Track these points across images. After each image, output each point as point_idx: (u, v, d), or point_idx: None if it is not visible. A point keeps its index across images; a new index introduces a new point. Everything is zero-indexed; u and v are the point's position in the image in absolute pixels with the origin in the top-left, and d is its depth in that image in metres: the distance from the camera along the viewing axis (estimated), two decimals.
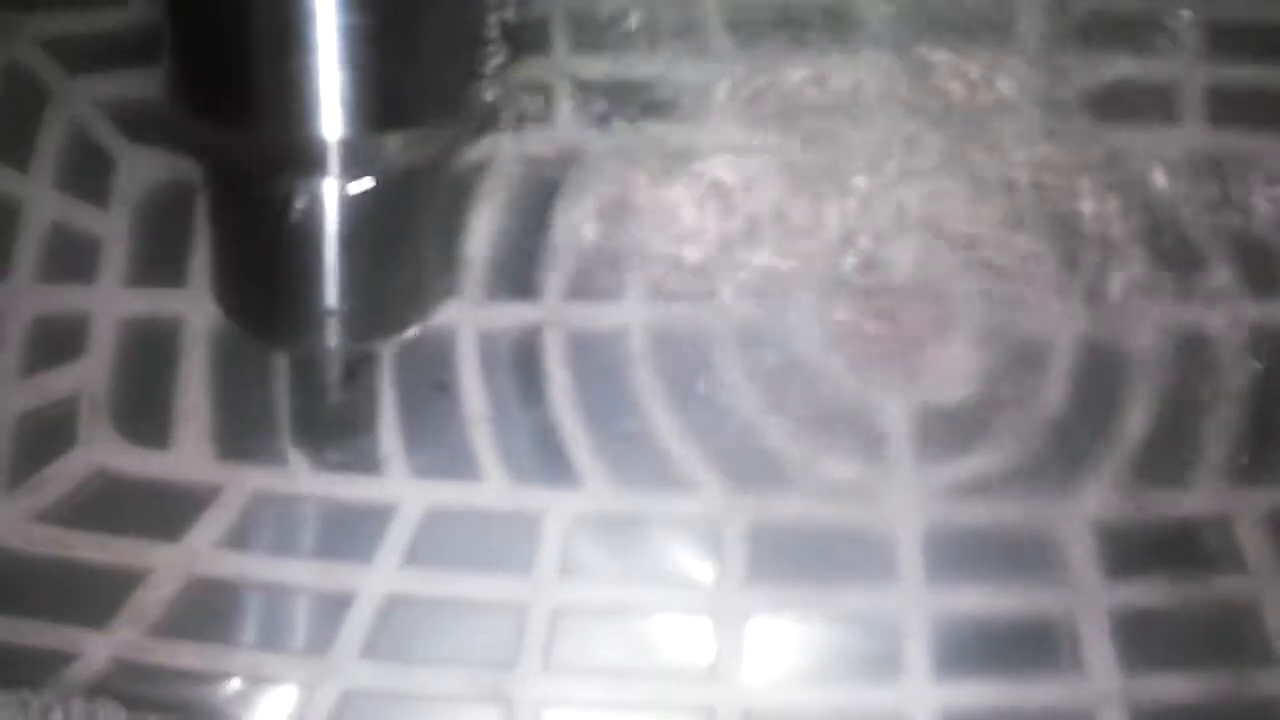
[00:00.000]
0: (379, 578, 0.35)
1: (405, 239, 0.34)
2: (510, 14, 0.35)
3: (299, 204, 0.32)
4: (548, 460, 0.37)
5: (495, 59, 0.34)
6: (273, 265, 0.33)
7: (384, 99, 0.31)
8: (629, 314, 0.38)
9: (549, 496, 0.37)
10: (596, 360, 0.38)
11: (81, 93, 0.39)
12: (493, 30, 0.34)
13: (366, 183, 0.32)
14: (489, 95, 0.34)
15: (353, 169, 0.31)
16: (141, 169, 0.39)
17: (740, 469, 0.37)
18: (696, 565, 0.36)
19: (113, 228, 0.39)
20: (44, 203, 0.39)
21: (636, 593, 0.36)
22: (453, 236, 0.38)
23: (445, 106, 0.33)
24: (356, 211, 0.32)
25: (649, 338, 0.38)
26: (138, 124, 0.39)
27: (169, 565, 0.35)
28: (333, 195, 0.32)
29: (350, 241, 0.32)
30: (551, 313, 0.38)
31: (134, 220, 0.39)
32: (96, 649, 0.35)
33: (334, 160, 0.31)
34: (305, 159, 0.31)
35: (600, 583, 0.36)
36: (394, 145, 0.32)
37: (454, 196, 0.38)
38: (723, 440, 0.37)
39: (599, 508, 0.37)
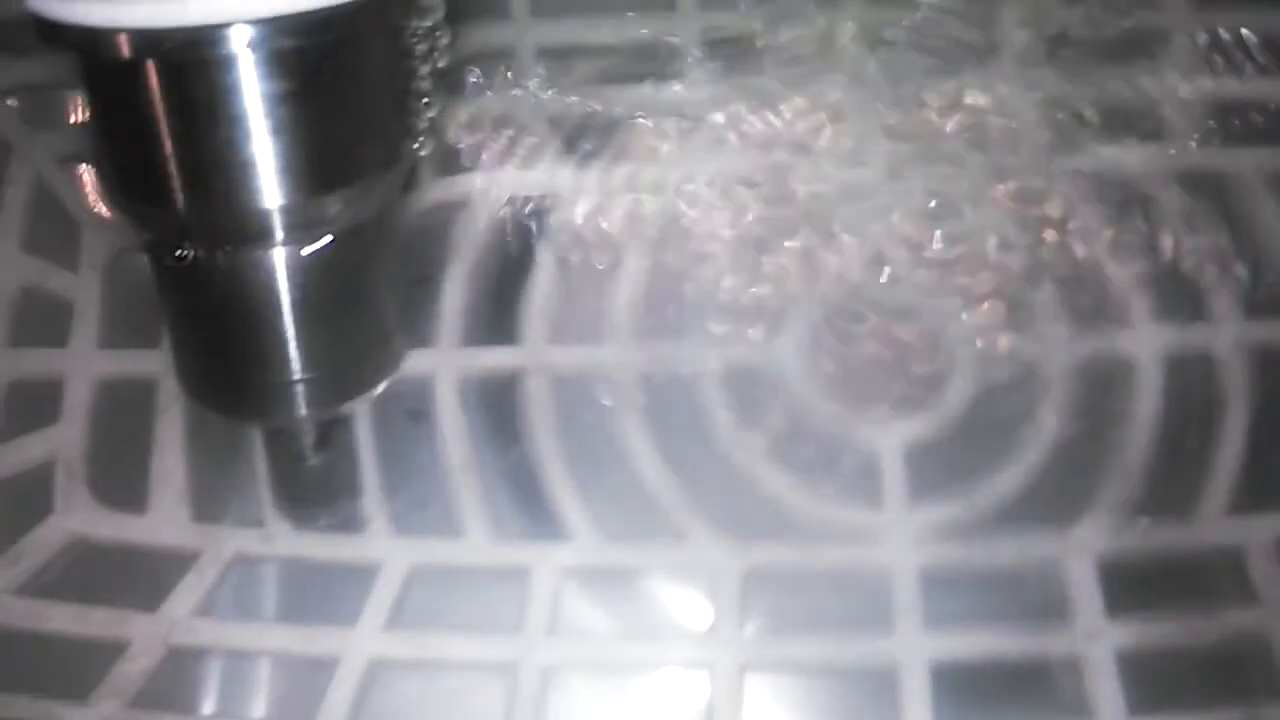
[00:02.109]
0: (363, 641, 0.34)
1: (360, 297, 0.33)
2: (441, 61, 0.34)
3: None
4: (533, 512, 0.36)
5: (429, 106, 0.33)
6: (229, 341, 0.32)
7: (318, 161, 0.30)
8: (612, 356, 0.37)
9: (536, 551, 0.36)
10: (579, 405, 0.37)
11: (45, 149, 0.39)
12: (424, 79, 0.34)
13: (319, 244, 0.31)
14: (426, 143, 0.33)
15: (297, 234, 0.31)
16: (110, 227, 0.39)
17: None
18: (690, 617, 0.35)
19: (84, 289, 0.38)
20: (12, 265, 0.38)
21: (630, 648, 0.35)
22: (413, 286, 0.37)
23: (382, 159, 0.32)
24: (308, 276, 0.31)
25: (633, 379, 0.37)
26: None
27: (148, 635, 0.34)
28: (281, 263, 0.31)
29: (305, 307, 0.31)
30: (532, 357, 0.38)
31: (105, 280, 0.39)
32: None
33: (277, 228, 0.30)
34: (248, 231, 0.30)
35: (592, 639, 0.35)
36: (335, 205, 0.31)
37: (411, 244, 0.37)
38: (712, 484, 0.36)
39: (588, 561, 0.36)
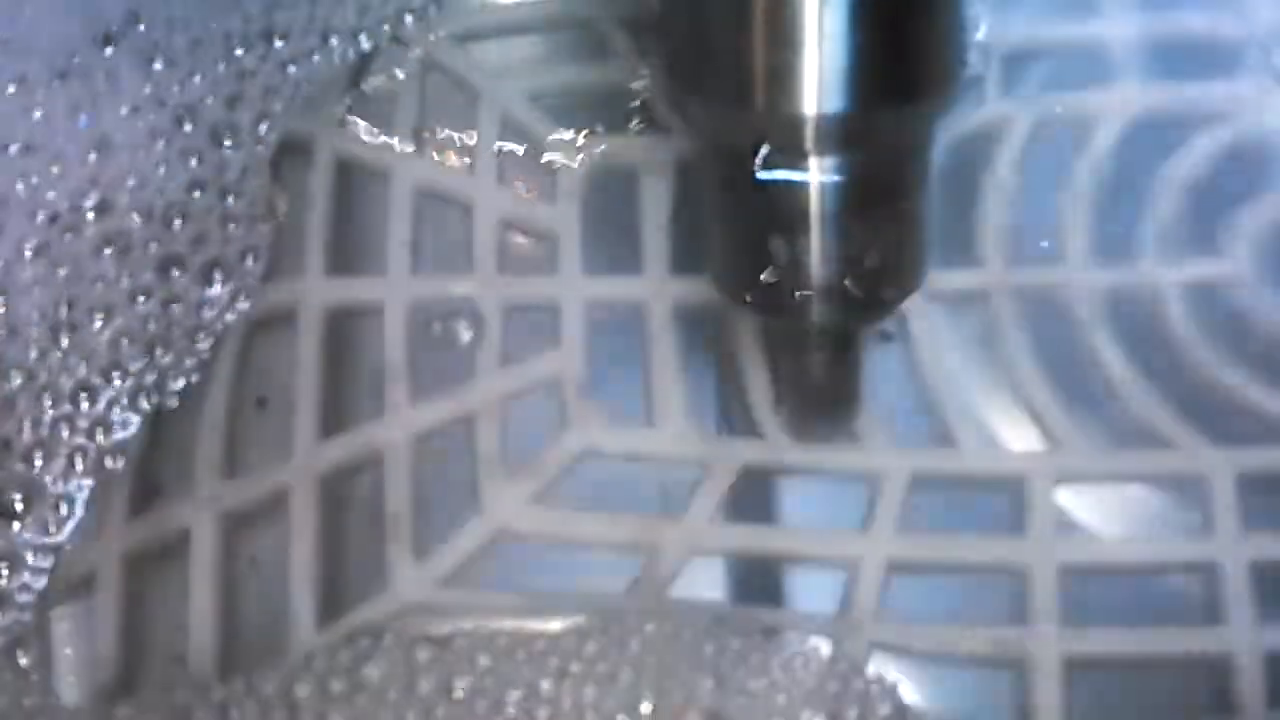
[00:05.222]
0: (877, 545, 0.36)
1: (893, 215, 0.34)
2: None
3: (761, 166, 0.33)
4: None
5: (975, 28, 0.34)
6: (760, 241, 0.34)
7: (879, 75, 0.31)
8: None
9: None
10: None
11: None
12: None
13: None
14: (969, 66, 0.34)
15: (842, 146, 0.32)
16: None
17: None
18: None
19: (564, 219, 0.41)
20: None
21: None
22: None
23: (938, 82, 0.33)
24: (844, 187, 0.33)
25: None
26: None
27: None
28: (819, 171, 0.33)
29: (836, 218, 0.33)
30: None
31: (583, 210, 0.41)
32: None
33: (821, 137, 0.32)
34: (793, 136, 0.32)
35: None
36: (884, 122, 0.32)
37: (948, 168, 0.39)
38: None
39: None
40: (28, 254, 0.35)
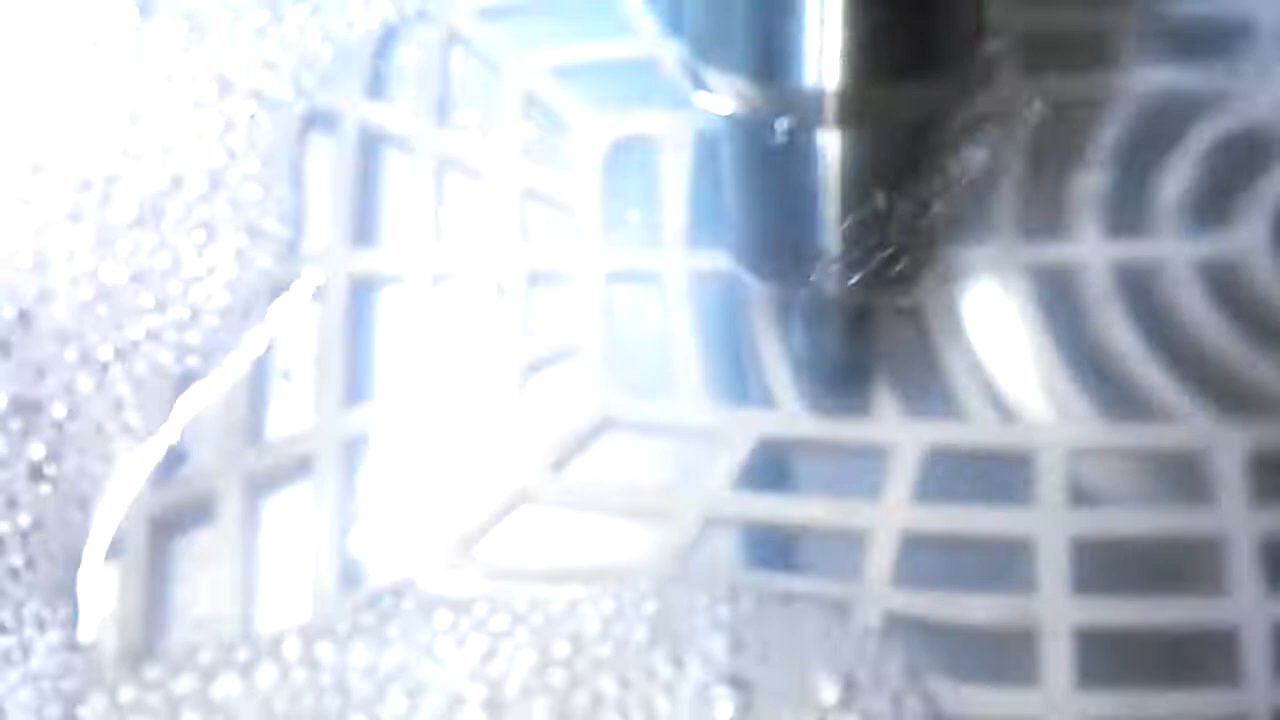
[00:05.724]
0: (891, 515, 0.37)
1: (911, 190, 0.35)
2: None
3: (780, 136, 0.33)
4: None
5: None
6: (778, 210, 0.35)
7: (899, 49, 0.32)
8: None
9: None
10: None
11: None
12: None
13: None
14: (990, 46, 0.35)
15: (862, 120, 0.33)
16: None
17: None
18: None
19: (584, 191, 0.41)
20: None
21: None
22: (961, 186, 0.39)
23: (957, 57, 0.33)
24: (864, 161, 0.33)
25: None
26: None
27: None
28: (838, 145, 0.33)
29: (855, 192, 0.34)
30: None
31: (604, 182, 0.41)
32: None
33: (842, 111, 0.32)
34: (814, 109, 0.32)
35: None
36: (904, 97, 0.33)
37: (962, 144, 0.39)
38: None
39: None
40: (61, 221, 0.36)
